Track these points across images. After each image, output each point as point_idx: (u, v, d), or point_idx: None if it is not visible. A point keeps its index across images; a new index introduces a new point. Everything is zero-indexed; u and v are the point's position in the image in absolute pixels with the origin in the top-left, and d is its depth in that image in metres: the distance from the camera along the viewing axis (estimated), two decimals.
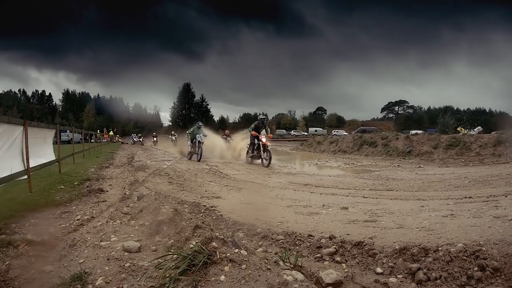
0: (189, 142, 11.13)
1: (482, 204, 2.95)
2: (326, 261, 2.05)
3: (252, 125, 10.18)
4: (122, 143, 30.20)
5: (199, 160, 10.17)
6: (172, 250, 1.99)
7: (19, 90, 60.22)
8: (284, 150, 20.06)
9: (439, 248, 1.78)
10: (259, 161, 9.66)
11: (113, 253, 2.17)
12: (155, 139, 25.40)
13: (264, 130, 9.88)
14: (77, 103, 60.55)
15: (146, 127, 47.93)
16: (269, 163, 9.01)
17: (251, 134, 10.00)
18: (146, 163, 8.99)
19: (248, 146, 10.26)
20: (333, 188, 5.23)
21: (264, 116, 10.55)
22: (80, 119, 56.15)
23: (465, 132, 16.89)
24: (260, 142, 9.52)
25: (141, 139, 28.93)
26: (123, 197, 4.06)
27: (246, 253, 1.86)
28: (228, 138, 13.77)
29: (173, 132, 24.16)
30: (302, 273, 1.66)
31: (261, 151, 9.47)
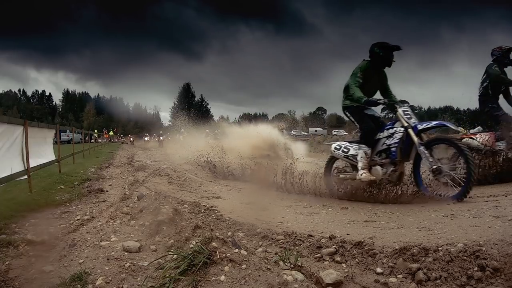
0: (364, 148, 3.60)
1: (482, 204, 2.95)
2: (326, 261, 2.05)
3: (496, 70, 4.20)
4: (122, 143, 30.32)
5: None
6: (172, 250, 1.99)
7: (19, 90, 60.47)
8: None
9: (439, 248, 1.78)
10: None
11: (113, 253, 2.17)
12: (161, 138, 23.10)
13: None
14: (77, 103, 60.66)
15: (146, 127, 47.94)
16: None
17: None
18: (146, 163, 8.99)
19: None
20: None
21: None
22: (80, 119, 56.23)
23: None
24: None
25: (145, 139, 29.13)
26: (123, 197, 4.06)
27: (246, 253, 1.86)
28: (285, 132, 10.98)
29: (182, 130, 19.91)
30: (302, 273, 1.66)
31: None
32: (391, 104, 3.61)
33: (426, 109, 58.35)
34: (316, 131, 47.57)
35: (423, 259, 1.75)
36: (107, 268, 1.94)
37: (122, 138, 37.23)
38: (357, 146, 3.79)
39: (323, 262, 2.04)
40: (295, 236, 2.42)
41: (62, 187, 4.70)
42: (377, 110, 3.94)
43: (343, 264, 1.97)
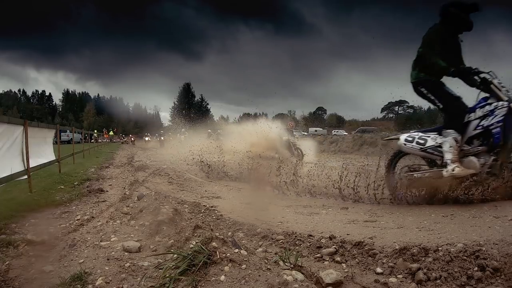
0: (453, 135, 2.92)
1: (482, 204, 2.95)
2: (326, 261, 2.05)
3: None
4: (122, 143, 30.39)
5: None
6: (172, 250, 1.99)
7: (19, 90, 60.57)
8: None
9: (439, 248, 1.78)
10: None
11: (113, 253, 2.17)
12: (162, 138, 22.76)
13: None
14: (77, 103, 60.71)
15: (146, 127, 47.95)
16: None
17: None
18: (146, 163, 8.99)
19: None
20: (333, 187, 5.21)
21: None
22: (80, 119, 56.27)
23: None
24: None
25: (146, 139, 29.20)
26: (123, 197, 4.06)
27: (246, 253, 1.86)
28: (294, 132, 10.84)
29: (183, 130, 19.16)
30: (302, 273, 1.66)
31: None
32: (481, 75, 2.93)
33: (426, 109, 58.40)
34: (316, 131, 47.49)
35: (423, 259, 1.75)
36: (107, 268, 1.94)
37: (123, 138, 37.47)
38: (435, 135, 3.11)
39: (323, 262, 2.04)
40: (295, 236, 2.42)
41: (62, 187, 4.70)
42: (454, 89, 3.14)
43: (343, 264, 1.97)
